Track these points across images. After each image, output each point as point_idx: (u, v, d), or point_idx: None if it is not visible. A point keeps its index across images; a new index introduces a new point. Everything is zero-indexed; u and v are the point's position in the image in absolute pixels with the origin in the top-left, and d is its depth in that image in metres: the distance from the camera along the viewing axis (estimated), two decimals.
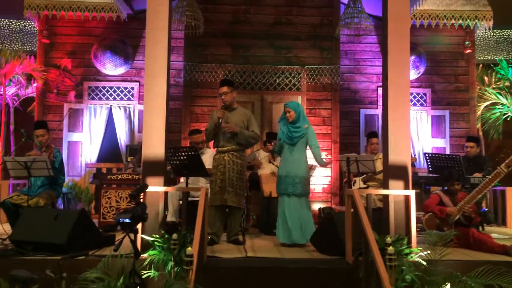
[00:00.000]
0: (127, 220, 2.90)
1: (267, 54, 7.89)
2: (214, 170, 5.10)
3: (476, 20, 7.85)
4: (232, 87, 5.22)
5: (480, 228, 5.97)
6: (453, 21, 7.84)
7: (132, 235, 3.03)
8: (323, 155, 7.68)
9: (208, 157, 5.86)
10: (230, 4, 7.92)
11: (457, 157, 6.10)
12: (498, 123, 8.57)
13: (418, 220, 4.98)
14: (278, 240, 4.99)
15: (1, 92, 7.86)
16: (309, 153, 5.16)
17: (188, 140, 7.20)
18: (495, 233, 5.88)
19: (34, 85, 8.08)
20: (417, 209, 4.95)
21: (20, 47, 9.19)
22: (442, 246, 3.76)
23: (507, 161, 4.68)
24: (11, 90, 8.06)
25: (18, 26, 9.40)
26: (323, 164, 5.29)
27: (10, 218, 5.36)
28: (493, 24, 7.93)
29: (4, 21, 9.39)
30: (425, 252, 3.71)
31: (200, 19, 6.83)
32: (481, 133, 8.69)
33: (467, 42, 8.37)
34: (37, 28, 8.31)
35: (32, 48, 9.16)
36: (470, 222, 4.99)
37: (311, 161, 5.31)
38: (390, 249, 3.39)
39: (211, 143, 5.73)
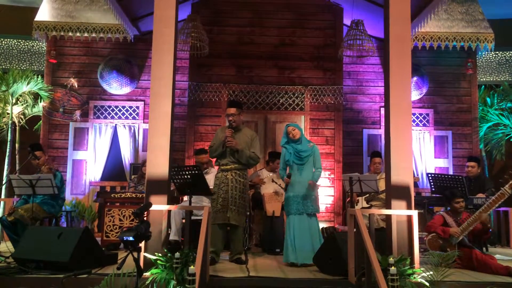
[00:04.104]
0: (131, 238, 2.92)
1: (271, 75, 7.98)
2: (216, 188, 5.12)
3: (478, 42, 7.94)
4: (240, 109, 5.29)
5: (484, 249, 5.93)
6: (455, 42, 7.93)
7: (135, 254, 3.04)
8: (326, 174, 7.70)
9: (212, 177, 5.87)
10: (235, 25, 8.05)
11: (460, 177, 6.10)
12: (501, 144, 8.58)
13: (421, 240, 4.96)
14: (285, 260, 4.96)
15: (8, 111, 7.96)
16: None
17: (192, 159, 7.26)
18: (499, 254, 5.85)
19: (41, 104, 8.18)
20: (420, 229, 4.94)
21: (28, 67, 9.37)
22: (445, 267, 3.75)
23: (511, 182, 4.69)
24: (17, 109, 8.16)
25: (26, 46, 9.60)
26: (314, 183, 5.15)
27: (9, 235, 5.39)
28: (494, 46, 8.01)
29: (13, 41, 9.59)
30: (428, 273, 3.69)
31: (205, 40, 6.95)
32: (484, 154, 8.70)
33: (469, 64, 8.45)
34: (45, 48, 8.46)
35: (40, 67, 9.34)
36: (482, 235, 5.01)
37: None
38: (393, 269, 3.39)
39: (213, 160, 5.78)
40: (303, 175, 5.11)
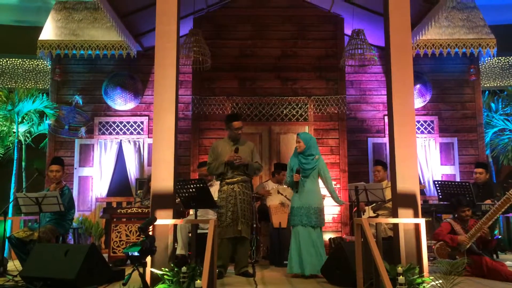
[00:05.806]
0: (135, 253, 2.91)
1: (274, 86, 8.01)
2: (224, 202, 5.08)
3: (480, 48, 7.93)
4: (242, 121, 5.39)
5: (494, 255, 5.86)
6: (457, 49, 7.93)
7: (141, 269, 3.04)
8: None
9: (216, 189, 5.86)
10: (236, 39, 8.11)
11: (467, 184, 6.06)
12: (507, 149, 8.52)
13: (430, 249, 4.91)
14: (289, 271, 4.94)
15: (14, 130, 8.02)
16: (320, 182, 5.22)
17: (197, 172, 7.25)
18: (509, 261, 5.77)
19: (46, 121, 8.24)
20: (429, 238, 4.90)
21: (33, 85, 9.46)
22: (454, 275, 3.70)
23: None
24: (23, 127, 8.22)
25: (31, 65, 9.71)
26: (341, 204, 5.41)
27: (18, 254, 5.38)
28: (498, 51, 8.00)
29: (18, 61, 9.70)
30: (438, 282, 3.65)
31: (207, 54, 6.99)
32: (490, 160, 8.64)
33: (472, 70, 8.45)
34: (50, 66, 8.55)
35: (45, 86, 9.44)
36: (486, 246, 4.93)
37: (323, 191, 5.31)
38: (401, 278, 3.35)
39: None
40: (307, 186, 5.10)
